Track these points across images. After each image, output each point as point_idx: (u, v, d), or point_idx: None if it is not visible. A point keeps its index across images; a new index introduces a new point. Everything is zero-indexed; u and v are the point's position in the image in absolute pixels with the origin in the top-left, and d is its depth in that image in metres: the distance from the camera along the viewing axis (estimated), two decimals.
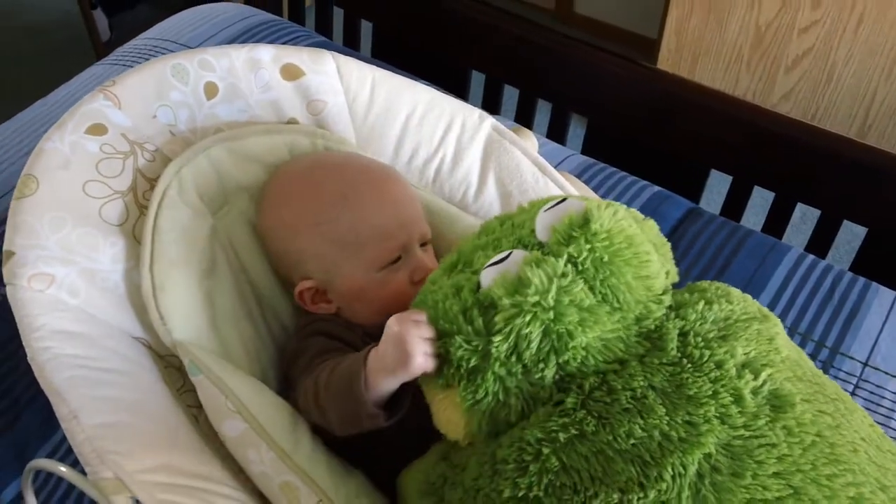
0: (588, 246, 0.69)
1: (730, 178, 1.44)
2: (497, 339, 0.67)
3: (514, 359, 0.68)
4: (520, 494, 0.67)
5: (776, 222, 1.39)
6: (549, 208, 0.74)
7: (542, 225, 0.73)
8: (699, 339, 0.70)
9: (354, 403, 0.74)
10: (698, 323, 0.72)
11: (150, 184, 0.93)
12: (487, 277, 0.70)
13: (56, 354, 0.78)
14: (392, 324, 0.72)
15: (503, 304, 0.67)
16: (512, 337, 0.67)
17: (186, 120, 0.97)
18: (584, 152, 1.45)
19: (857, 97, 1.88)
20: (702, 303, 0.74)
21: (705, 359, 0.69)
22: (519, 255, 0.71)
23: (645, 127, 1.39)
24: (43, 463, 0.73)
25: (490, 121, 1.05)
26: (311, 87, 1.01)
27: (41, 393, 0.77)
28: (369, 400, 0.74)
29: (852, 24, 1.78)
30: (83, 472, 0.71)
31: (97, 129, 0.91)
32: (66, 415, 0.73)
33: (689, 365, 0.68)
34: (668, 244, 0.77)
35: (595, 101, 1.44)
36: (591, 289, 0.69)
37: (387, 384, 0.73)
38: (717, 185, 1.59)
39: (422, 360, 0.70)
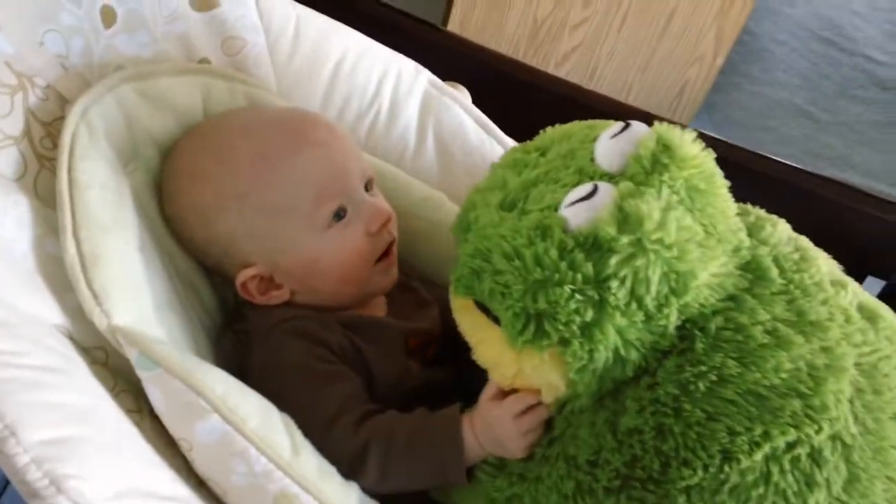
0: (684, 173, 0.62)
1: None
2: (613, 284, 0.58)
3: (634, 306, 0.59)
4: (668, 460, 0.59)
5: None
6: (615, 135, 0.65)
7: (610, 153, 0.64)
8: (790, 263, 0.67)
9: (444, 476, 0.71)
10: (779, 246, 0.68)
11: (45, 129, 0.74)
12: (577, 216, 0.60)
13: None
14: (497, 414, 0.68)
15: (619, 243, 0.58)
16: (629, 281, 0.58)
17: (81, 52, 0.77)
18: None
19: (615, 92, 2.01)
20: (767, 225, 0.70)
21: (807, 282, 0.65)
22: (608, 188, 0.61)
23: None
24: None
25: (426, 74, 0.94)
26: (228, 21, 0.85)
27: None
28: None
29: (616, 22, 1.90)
30: None
31: None
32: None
33: (798, 291, 0.64)
34: None
35: None
36: (694, 221, 0.62)
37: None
38: None
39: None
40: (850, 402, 0.61)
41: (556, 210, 0.61)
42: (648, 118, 1.27)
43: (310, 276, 0.77)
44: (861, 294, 0.69)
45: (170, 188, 0.79)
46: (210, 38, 0.85)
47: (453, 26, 1.88)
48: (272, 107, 0.86)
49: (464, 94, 0.96)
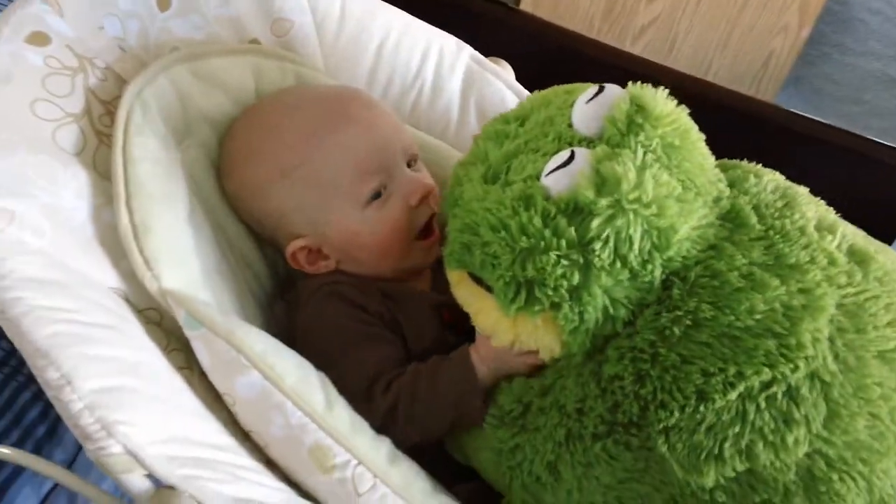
0: (659, 132, 0.64)
1: None
2: (597, 246, 0.61)
3: (618, 265, 0.62)
4: (646, 404, 0.62)
5: None
6: (590, 99, 0.67)
7: (586, 118, 0.67)
8: (771, 209, 0.68)
9: (465, 403, 0.74)
10: (761, 195, 0.70)
11: (105, 107, 0.79)
12: (558, 183, 0.63)
13: (32, 307, 0.62)
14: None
15: (599, 206, 0.60)
16: (611, 241, 0.61)
17: (137, 34, 0.84)
18: None
19: (694, 68, 1.97)
20: (751, 176, 0.72)
21: (788, 227, 0.67)
22: (585, 153, 0.64)
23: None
24: None
25: (468, 50, 0.97)
26: (276, 3, 0.90)
27: None
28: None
29: None
30: None
31: (39, 39, 0.76)
32: (56, 380, 0.59)
33: (778, 236, 0.66)
34: None
35: None
36: (671, 177, 0.64)
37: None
38: None
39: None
40: (831, 340, 0.62)
41: (537, 179, 0.64)
42: (728, 94, 1.26)
43: (353, 248, 0.82)
44: (854, 238, 0.70)
45: (226, 167, 0.85)
46: (259, 19, 0.90)
47: (526, 5, 1.89)
48: (317, 85, 0.91)
49: (507, 70, 0.98)
